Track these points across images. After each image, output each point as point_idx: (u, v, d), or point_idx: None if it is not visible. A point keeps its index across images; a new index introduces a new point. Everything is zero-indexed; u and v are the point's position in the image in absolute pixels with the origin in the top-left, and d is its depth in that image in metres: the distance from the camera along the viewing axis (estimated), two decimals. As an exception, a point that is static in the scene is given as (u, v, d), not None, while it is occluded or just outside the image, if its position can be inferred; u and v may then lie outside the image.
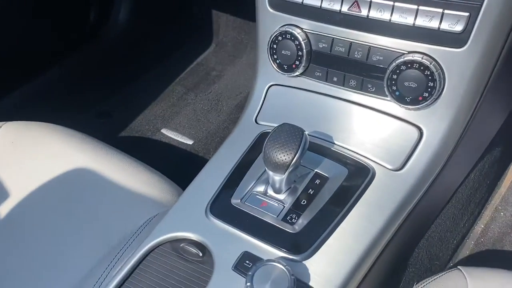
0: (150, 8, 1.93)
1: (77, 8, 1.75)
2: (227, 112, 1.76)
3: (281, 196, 0.79)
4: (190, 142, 1.67)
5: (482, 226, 1.25)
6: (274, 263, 0.66)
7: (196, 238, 0.78)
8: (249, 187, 0.81)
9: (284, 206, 0.78)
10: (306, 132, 0.74)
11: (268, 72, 0.93)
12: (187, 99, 1.85)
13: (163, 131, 1.72)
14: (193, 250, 0.76)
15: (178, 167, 1.53)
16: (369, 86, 0.83)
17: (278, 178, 0.76)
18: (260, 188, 0.81)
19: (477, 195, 1.17)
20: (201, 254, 0.76)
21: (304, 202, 0.78)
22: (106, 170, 1.00)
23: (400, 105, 0.80)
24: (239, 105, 1.77)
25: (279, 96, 0.94)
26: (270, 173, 0.75)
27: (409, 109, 0.80)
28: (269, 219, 0.77)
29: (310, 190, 0.79)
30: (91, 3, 1.78)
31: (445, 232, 1.06)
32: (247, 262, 0.72)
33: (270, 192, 0.80)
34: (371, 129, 0.84)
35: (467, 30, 0.72)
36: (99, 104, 1.79)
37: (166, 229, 0.80)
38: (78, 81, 1.78)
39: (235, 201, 0.80)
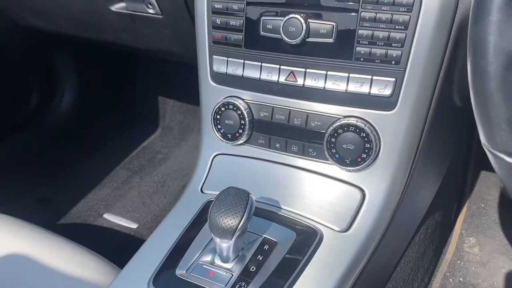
0: (93, 94, 1.95)
1: (17, 93, 1.73)
2: (173, 194, 1.73)
3: (229, 265, 0.75)
4: (134, 226, 1.60)
5: (434, 294, 1.24)
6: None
7: (138, 316, 0.71)
8: (195, 257, 0.78)
9: (232, 275, 0.74)
10: (252, 196, 0.73)
11: (212, 142, 0.94)
12: (131, 182, 1.80)
13: (106, 216, 1.65)
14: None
15: (121, 252, 1.44)
16: (310, 150, 0.86)
17: (225, 245, 0.73)
18: (207, 258, 0.77)
19: (425, 260, 1.18)
20: (143, 334, 0.69)
21: (253, 269, 0.75)
22: (37, 253, 0.92)
23: (341, 167, 0.83)
24: (185, 186, 1.74)
25: (224, 165, 0.94)
26: (217, 240, 0.73)
27: (349, 170, 0.83)
28: (217, 289, 0.73)
29: (259, 256, 0.77)
30: (32, 88, 1.76)
31: (398, 299, 1.05)
32: (194, 338, 0.67)
33: (218, 261, 0.76)
34: (316, 192, 0.85)
35: (395, 94, 0.77)
36: (38, 190, 1.70)
37: None
38: (16, 166, 1.70)
39: (180, 272, 0.76)
